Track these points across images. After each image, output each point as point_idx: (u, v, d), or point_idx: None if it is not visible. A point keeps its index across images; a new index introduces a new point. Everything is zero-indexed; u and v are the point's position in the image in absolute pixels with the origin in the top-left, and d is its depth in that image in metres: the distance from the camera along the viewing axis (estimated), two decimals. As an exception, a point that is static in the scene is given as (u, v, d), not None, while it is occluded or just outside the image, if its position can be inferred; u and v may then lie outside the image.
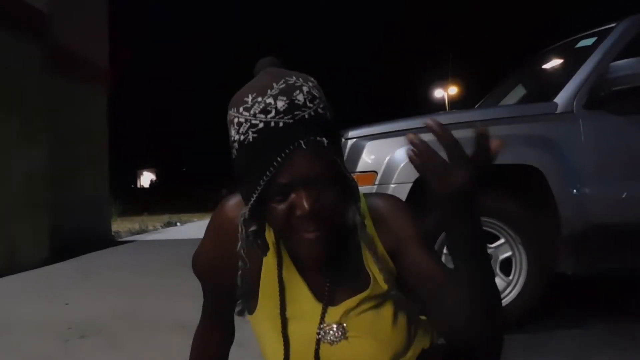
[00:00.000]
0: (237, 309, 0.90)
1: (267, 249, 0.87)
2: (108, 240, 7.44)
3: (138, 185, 69.92)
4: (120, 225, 9.68)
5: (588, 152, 2.50)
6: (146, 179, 73.66)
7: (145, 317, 2.98)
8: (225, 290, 0.94)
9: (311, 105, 0.75)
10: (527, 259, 2.46)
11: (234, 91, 0.82)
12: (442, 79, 25.45)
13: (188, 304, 2.86)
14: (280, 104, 0.74)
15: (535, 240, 2.46)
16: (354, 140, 2.63)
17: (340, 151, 0.79)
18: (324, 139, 0.74)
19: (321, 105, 0.77)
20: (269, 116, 0.73)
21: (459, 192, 0.72)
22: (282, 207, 0.76)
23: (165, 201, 20.13)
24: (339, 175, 0.78)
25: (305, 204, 0.74)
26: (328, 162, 0.75)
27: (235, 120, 0.77)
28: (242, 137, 0.76)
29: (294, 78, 0.77)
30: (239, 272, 0.85)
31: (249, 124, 0.75)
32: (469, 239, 0.75)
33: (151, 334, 2.63)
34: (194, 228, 9.45)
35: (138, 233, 8.86)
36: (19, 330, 2.78)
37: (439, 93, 26.00)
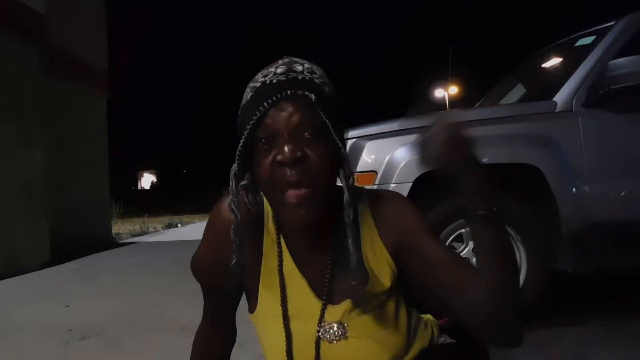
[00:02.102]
0: (232, 263, 0.85)
1: (258, 205, 0.87)
2: (109, 242, 7.44)
3: (139, 187, 69.89)
4: (120, 227, 9.69)
5: (587, 151, 2.50)
6: (147, 180, 73.62)
7: (146, 318, 2.98)
8: (225, 292, 0.95)
9: (308, 74, 0.80)
10: (527, 257, 2.45)
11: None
12: (443, 79, 25.44)
13: (189, 306, 2.86)
14: (280, 70, 0.80)
15: (535, 238, 2.46)
16: (354, 140, 2.63)
17: (334, 118, 0.79)
18: (312, 95, 0.78)
19: (319, 80, 0.81)
20: (267, 77, 0.80)
21: (463, 164, 0.80)
22: (267, 156, 0.78)
23: (166, 203, 20.12)
24: (326, 136, 0.79)
25: (286, 149, 0.76)
26: (313, 117, 0.77)
27: (244, 95, 0.83)
28: (243, 101, 0.82)
29: (299, 59, 0.83)
30: (232, 227, 0.84)
31: (250, 88, 0.82)
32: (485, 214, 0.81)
33: (152, 336, 2.63)
34: (195, 229, 9.45)
35: (139, 235, 8.85)
36: (20, 333, 2.78)
37: (439, 93, 26.00)
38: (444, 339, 1.00)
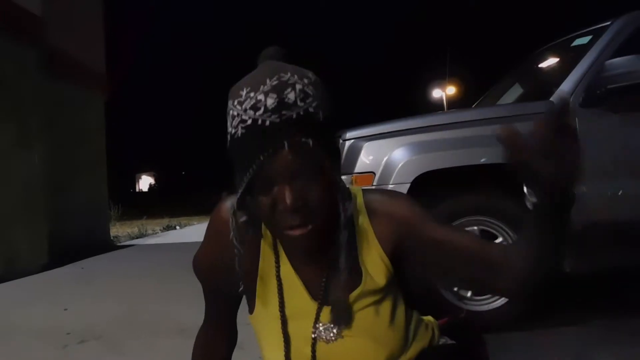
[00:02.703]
0: (240, 289, 0.89)
1: (259, 238, 0.89)
2: (107, 245, 7.42)
3: (137, 189, 69.85)
4: (119, 230, 9.68)
5: (585, 150, 2.49)
6: (145, 182, 73.56)
7: (145, 321, 2.98)
8: (226, 292, 0.95)
9: (302, 104, 0.75)
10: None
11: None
12: (440, 79, 25.46)
13: (188, 308, 2.86)
14: (270, 102, 0.74)
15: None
16: (352, 141, 2.63)
17: (331, 151, 0.79)
18: (309, 140, 0.75)
19: (313, 104, 0.76)
20: (257, 113, 0.74)
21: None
22: (266, 200, 0.77)
23: (165, 205, 20.14)
24: (325, 175, 0.78)
25: (287, 199, 0.75)
26: (312, 163, 0.76)
27: (230, 112, 0.79)
28: (233, 131, 0.78)
29: (289, 74, 0.76)
30: (236, 259, 0.85)
31: (240, 118, 0.76)
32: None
33: (151, 339, 2.62)
34: (194, 231, 9.44)
35: (137, 237, 8.84)
36: (19, 336, 2.77)
37: (437, 93, 26.02)
38: (445, 340, 1.00)
